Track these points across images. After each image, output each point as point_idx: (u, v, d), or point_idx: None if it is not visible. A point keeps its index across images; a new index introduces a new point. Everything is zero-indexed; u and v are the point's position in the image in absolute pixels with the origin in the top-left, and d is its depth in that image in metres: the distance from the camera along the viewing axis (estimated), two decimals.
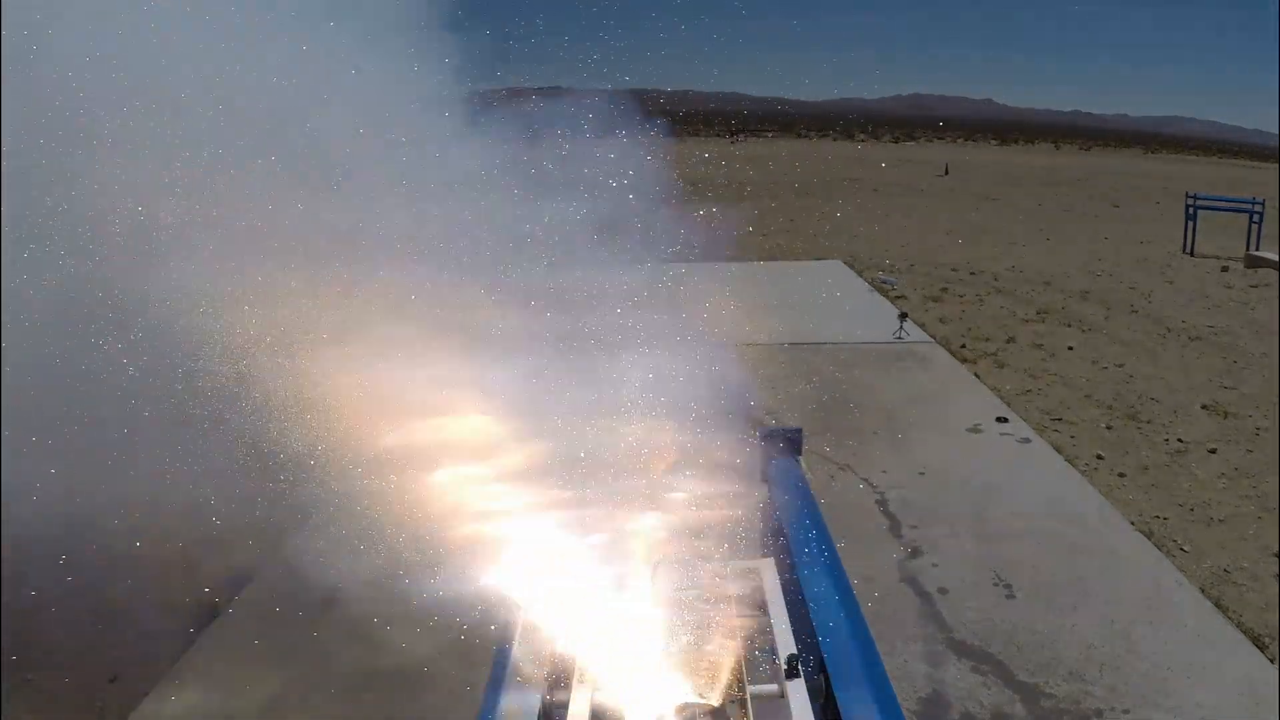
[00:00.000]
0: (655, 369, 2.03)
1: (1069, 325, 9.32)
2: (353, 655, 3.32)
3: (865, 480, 5.20)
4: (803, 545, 2.01)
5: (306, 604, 3.91)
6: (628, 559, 2.00)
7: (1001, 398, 6.72)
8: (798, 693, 1.56)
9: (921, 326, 8.83)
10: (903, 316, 8.44)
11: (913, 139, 65.87)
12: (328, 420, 1.81)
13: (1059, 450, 5.67)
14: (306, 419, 1.79)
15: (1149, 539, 4.49)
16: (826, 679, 1.60)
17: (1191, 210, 14.36)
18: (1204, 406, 6.68)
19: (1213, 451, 5.79)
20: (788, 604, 1.88)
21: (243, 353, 1.75)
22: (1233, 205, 14.96)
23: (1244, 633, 3.65)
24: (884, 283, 10.97)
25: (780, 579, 2.00)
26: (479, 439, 1.89)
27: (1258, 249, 13.22)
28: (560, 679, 1.63)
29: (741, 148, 50.68)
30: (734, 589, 1.87)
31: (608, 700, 1.57)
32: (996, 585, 4.03)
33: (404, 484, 1.84)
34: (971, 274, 12.31)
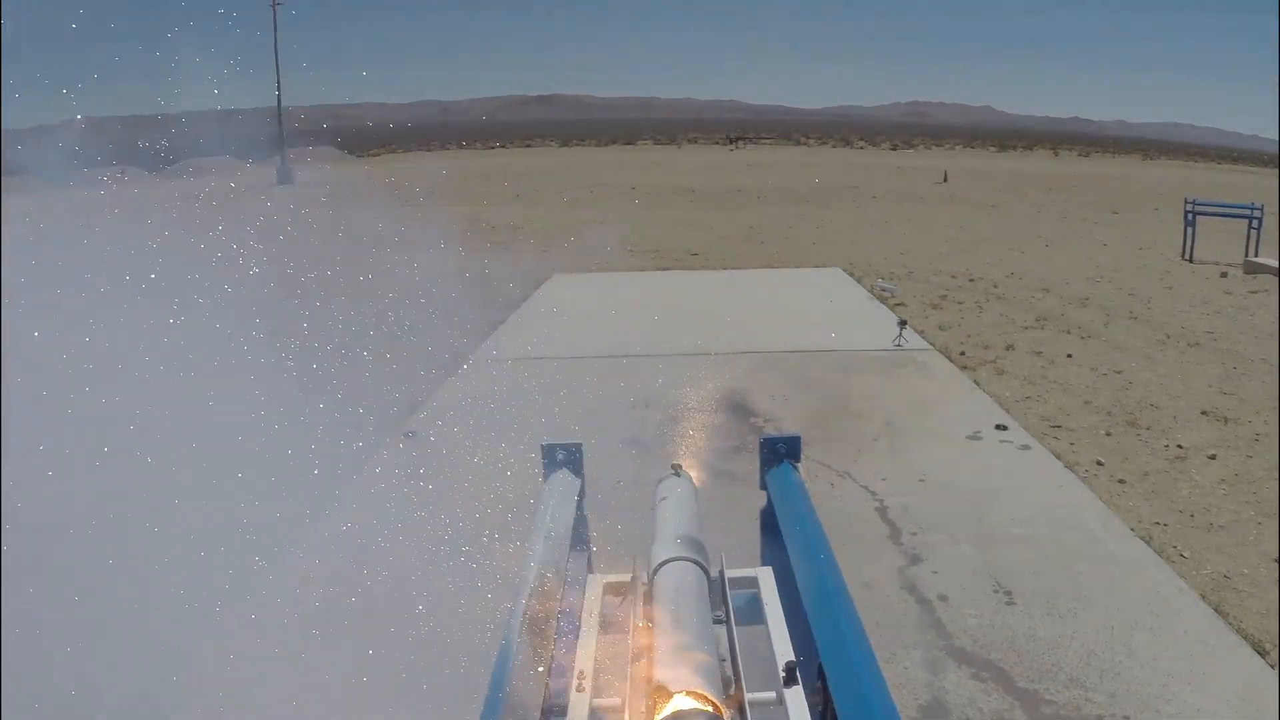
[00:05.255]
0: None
1: (1068, 332, 9.33)
2: None
3: (865, 487, 5.20)
4: (801, 552, 2.01)
5: None
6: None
7: (1001, 405, 6.73)
8: (796, 700, 1.56)
9: (921, 333, 8.83)
10: (902, 324, 8.45)
11: (911, 146, 65.96)
12: None
13: (1058, 457, 5.67)
14: None
15: (1149, 545, 4.49)
16: (825, 686, 1.60)
17: (1190, 216, 14.39)
18: (1203, 412, 6.68)
19: (1212, 457, 5.79)
20: (786, 611, 1.88)
21: None
22: (1231, 211, 14.98)
23: (1244, 639, 3.65)
24: (883, 290, 10.98)
25: (779, 586, 2.00)
26: None
27: (1256, 255, 13.23)
28: (559, 682, 1.63)
29: (742, 154, 50.81)
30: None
31: (605, 705, 1.57)
32: (996, 592, 4.03)
33: None
34: (971, 281, 12.33)
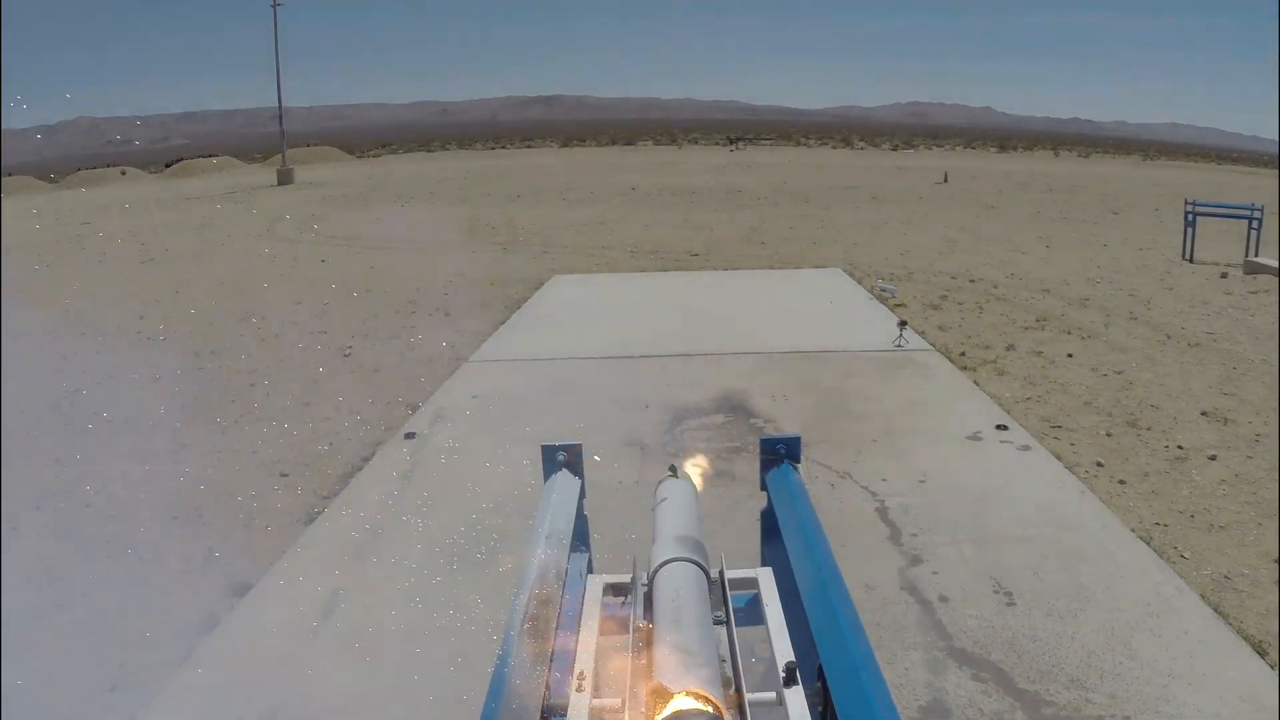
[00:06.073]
0: None
1: (1068, 332, 9.33)
2: None
3: (865, 488, 5.20)
4: (801, 552, 2.02)
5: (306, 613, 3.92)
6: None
7: (1001, 405, 6.72)
8: (796, 700, 1.56)
9: (921, 334, 8.83)
10: (902, 324, 8.45)
11: (912, 146, 65.91)
12: None
13: (1059, 457, 5.67)
14: None
15: (1149, 546, 4.49)
16: (825, 687, 1.60)
17: (1190, 217, 14.39)
18: (1204, 413, 6.68)
19: (1213, 458, 5.79)
20: (786, 611, 1.89)
21: None
22: (1231, 212, 14.98)
23: (1244, 639, 3.65)
24: (884, 290, 10.98)
25: (779, 586, 2.00)
26: None
27: (1256, 255, 13.23)
28: (559, 684, 1.63)
29: (742, 155, 50.79)
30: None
31: (606, 705, 1.57)
32: (997, 593, 4.03)
33: None
34: (971, 281, 12.32)
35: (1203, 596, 3.99)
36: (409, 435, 6.18)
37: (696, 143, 68.31)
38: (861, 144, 68.15)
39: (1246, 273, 12.80)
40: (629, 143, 68.81)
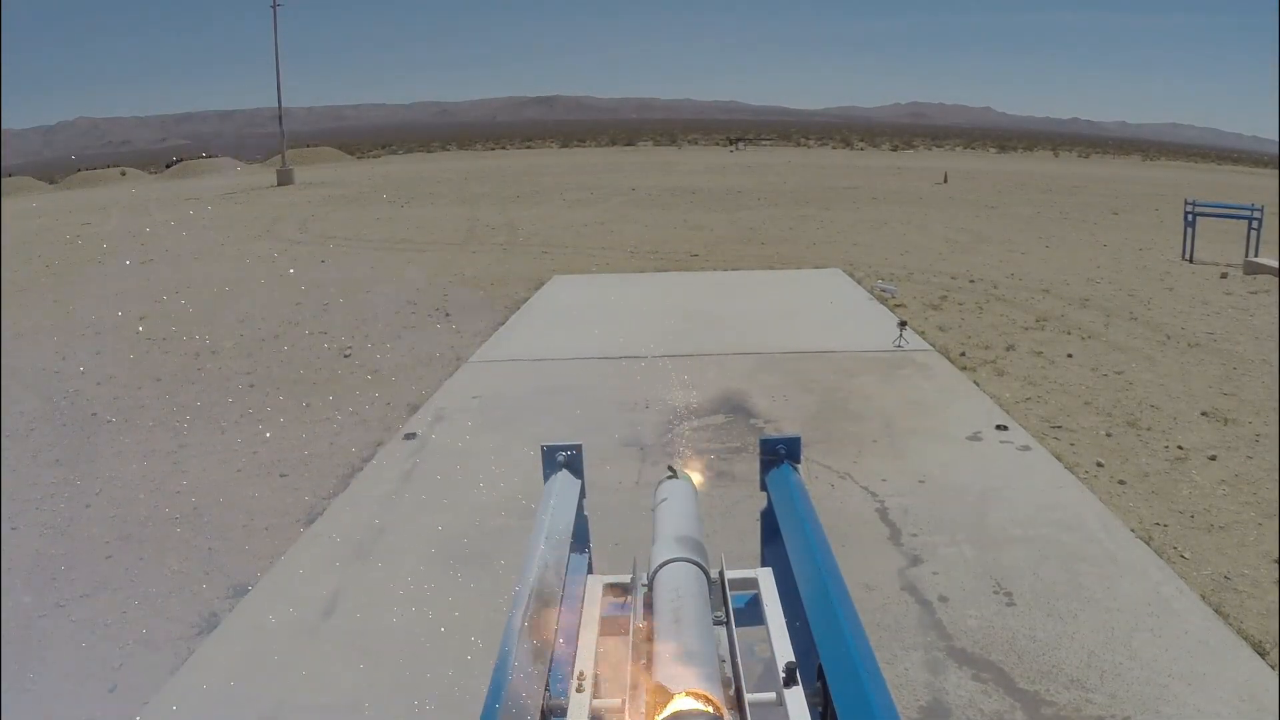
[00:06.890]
0: None
1: (1068, 333, 9.33)
2: None
3: (865, 488, 5.20)
4: (801, 552, 2.01)
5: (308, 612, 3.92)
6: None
7: (1001, 405, 6.72)
8: (796, 700, 1.56)
9: (921, 334, 8.83)
10: (902, 324, 8.45)
11: (911, 147, 65.94)
12: None
13: (1059, 458, 5.67)
14: None
15: (1149, 546, 4.49)
16: (825, 687, 1.60)
17: (1190, 217, 14.40)
18: (1204, 413, 6.68)
19: (1213, 458, 5.79)
20: (786, 611, 1.88)
21: None
22: (1231, 212, 14.99)
23: (1245, 639, 3.64)
24: (883, 290, 10.98)
25: (779, 587, 2.00)
26: None
27: (1256, 255, 13.24)
28: (559, 684, 1.63)
29: (742, 155, 50.82)
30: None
31: (606, 706, 1.57)
32: (996, 593, 4.03)
33: None
34: (971, 282, 12.32)
35: (1203, 596, 3.99)
36: (409, 436, 6.17)
37: (696, 143, 68.35)
38: (861, 144, 68.18)
39: (1246, 273, 12.80)
40: (629, 143, 68.84)
